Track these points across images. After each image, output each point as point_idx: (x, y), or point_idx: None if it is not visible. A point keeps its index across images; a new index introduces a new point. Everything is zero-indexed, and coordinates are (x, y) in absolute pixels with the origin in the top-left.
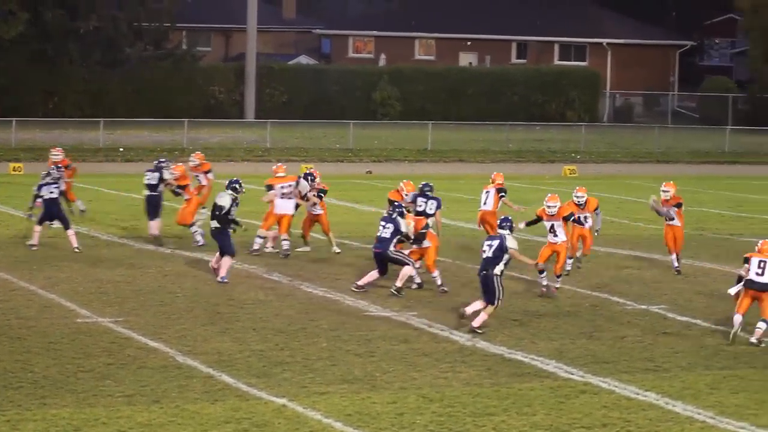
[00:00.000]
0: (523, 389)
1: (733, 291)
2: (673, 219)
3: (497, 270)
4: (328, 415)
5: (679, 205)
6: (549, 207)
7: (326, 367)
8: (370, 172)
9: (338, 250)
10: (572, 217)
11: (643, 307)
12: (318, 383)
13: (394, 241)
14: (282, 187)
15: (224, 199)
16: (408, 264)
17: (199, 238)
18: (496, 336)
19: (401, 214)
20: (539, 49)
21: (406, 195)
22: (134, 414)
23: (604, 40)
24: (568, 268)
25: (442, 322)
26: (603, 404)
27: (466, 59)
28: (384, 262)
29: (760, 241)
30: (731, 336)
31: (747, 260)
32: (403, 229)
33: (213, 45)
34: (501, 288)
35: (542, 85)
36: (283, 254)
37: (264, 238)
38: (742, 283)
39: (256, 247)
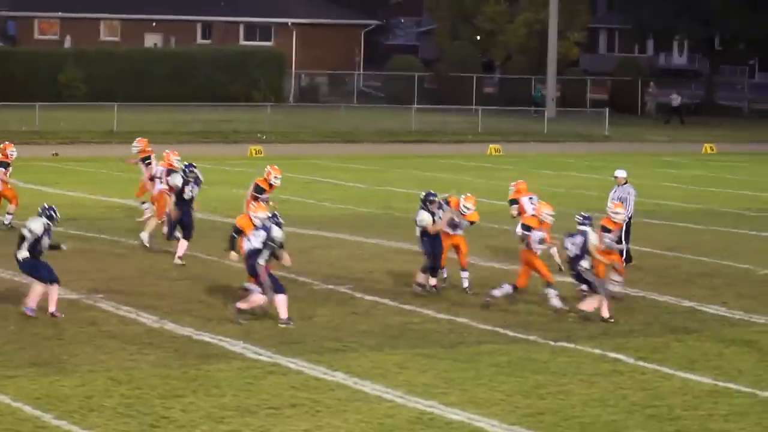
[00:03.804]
0: (211, 370)
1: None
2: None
3: (585, 264)
4: (17, 399)
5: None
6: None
7: (15, 350)
8: (57, 154)
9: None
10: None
11: (330, 287)
12: (6, 367)
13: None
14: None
15: (36, 224)
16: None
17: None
18: (183, 317)
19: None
20: (224, 30)
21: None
22: None
23: (290, 20)
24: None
25: (130, 305)
26: (291, 385)
27: (152, 40)
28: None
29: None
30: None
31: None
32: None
33: None
34: (593, 277)
35: (227, 66)
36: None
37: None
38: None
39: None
